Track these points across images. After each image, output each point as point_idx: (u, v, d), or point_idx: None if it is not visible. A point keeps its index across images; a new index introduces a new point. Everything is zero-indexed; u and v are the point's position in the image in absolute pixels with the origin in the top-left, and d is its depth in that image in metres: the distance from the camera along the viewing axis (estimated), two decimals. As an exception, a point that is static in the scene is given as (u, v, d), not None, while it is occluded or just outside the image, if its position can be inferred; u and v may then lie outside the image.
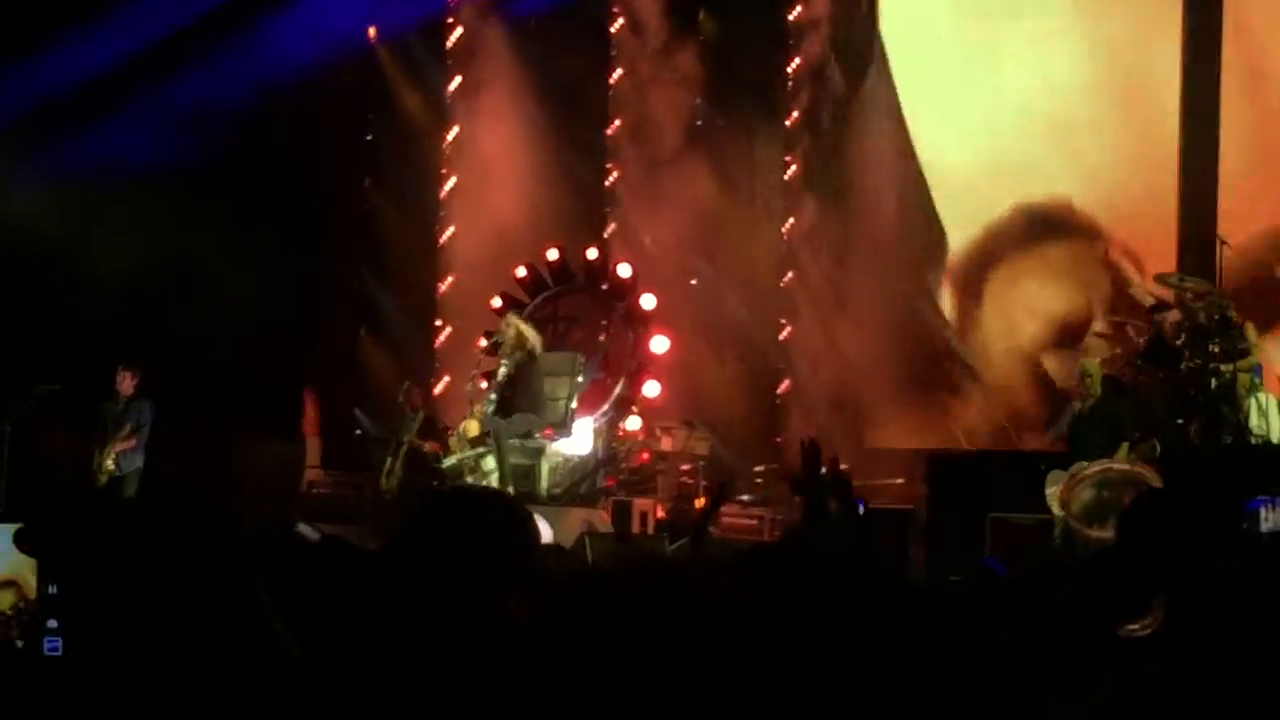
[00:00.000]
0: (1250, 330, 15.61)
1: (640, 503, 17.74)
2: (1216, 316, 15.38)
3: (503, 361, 18.06)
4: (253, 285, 21.29)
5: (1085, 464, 14.18)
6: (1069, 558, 11.52)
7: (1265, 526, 11.84)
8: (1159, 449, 14.57)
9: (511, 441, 17.66)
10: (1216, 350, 15.16)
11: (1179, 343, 15.37)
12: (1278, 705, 3.82)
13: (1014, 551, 14.06)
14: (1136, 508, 4.27)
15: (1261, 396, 15.39)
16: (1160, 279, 16.38)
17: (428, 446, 18.56)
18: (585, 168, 23.38)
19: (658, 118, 22.58)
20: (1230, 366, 15.19)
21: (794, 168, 22.37)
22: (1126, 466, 13.93)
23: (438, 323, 23.67)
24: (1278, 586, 4.25)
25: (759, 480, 20.89)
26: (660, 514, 18.02)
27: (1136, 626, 4.29)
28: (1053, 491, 14.67)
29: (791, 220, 22.35)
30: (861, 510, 14.71)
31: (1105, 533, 12.82)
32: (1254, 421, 15.18)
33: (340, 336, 23.39)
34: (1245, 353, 15.40)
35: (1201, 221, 18.71)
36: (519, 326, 18.26)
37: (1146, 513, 4.25)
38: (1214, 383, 15.16)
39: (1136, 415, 15.11)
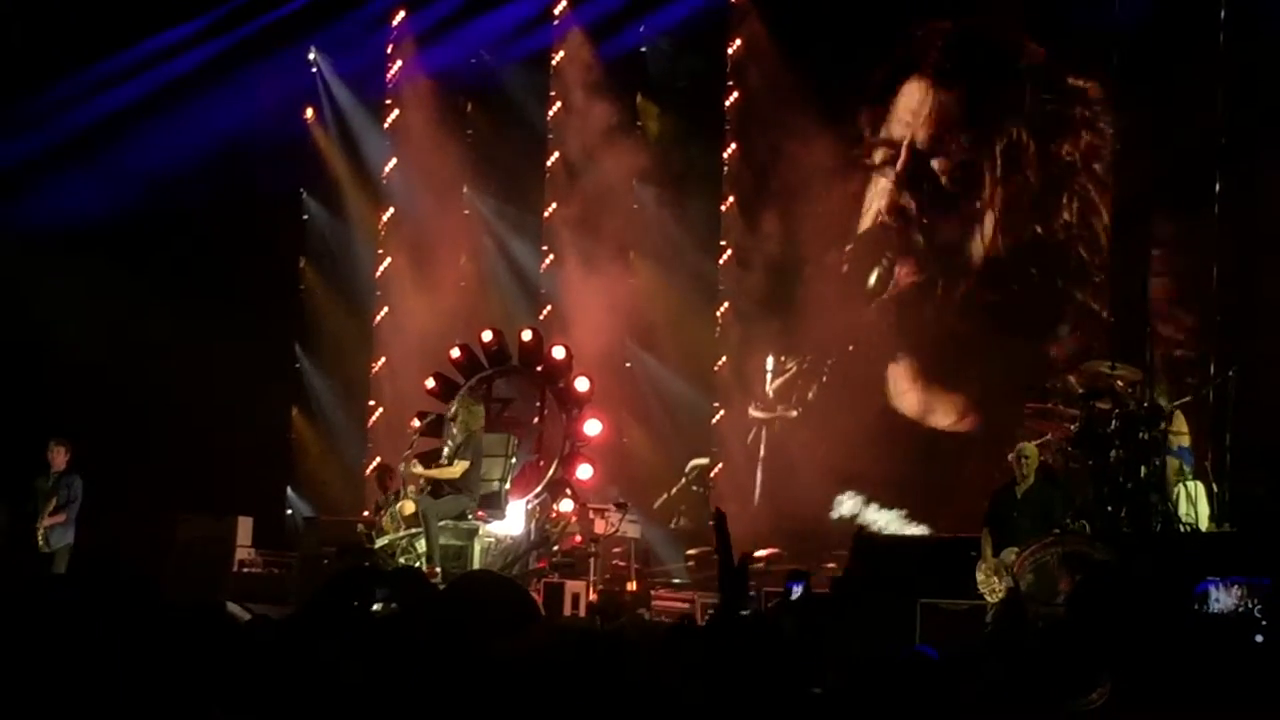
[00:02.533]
0: (1180, 418, 15.75)
1: (572, 585, 17.68)
2: (1146, 405, 15.49)
3: (448, 440, 18.02)
4: (185, 362, 21.25)
5: (1036, 541, 14.21)
6: (1004, 641, 11.55)
7: (1215, 607, 11.87)
8: (1088, 528, 14.63)
9: (444, 522, 17.59)
10: (1146, 438, 15.24)
11: (1109, 430, 15.44)
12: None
13: (945, 637, 14.05)
14: (1087, 585, 4.32)
15: (1190, 485, 15.47)
16: (1091, 367, 16.48)
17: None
18: (521, 250, 23.49)
19: (594, 202, 22.70)
20: (1160, 455, 15.28)
21: (728, 253, 22.49)
22: (1081, 543, 13.97)
23: (370, 403, 23.63)
24: (1224, 664, 4.31)
25: (690, 564, 20.89)
26: (592, 596, 17.97)
27: (1085, 701, 4.33)
28: (983, 578, 14.71)
29: (725, 305, 22.46)
30: (800, 591, 14.77)
31: (1055, 608, 12.81)
32: (1183, 509, 15.24)
33: (272, 415, 23.31)
34: (1175, 440, 15.51)
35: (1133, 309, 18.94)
36: (465, 407, 18.22)
37: (1097, 590, 4.30)
38: (1144, 471, 15.22)
39: (1067, 502, 15.18)
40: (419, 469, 17.83)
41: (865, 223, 21.71)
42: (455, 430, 17.93)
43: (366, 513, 19.29)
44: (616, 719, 3.24)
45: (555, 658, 3.57)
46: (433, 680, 4.10)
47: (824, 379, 21.88)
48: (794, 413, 22.05)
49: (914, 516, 20.53)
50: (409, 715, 3.98)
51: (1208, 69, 18.58)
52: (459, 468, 17.70)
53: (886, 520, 20.83)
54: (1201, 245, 18.65)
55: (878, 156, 21.65)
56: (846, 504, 21.22)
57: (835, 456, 20.88)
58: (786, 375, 22.18)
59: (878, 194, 21.57)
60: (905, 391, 21.33)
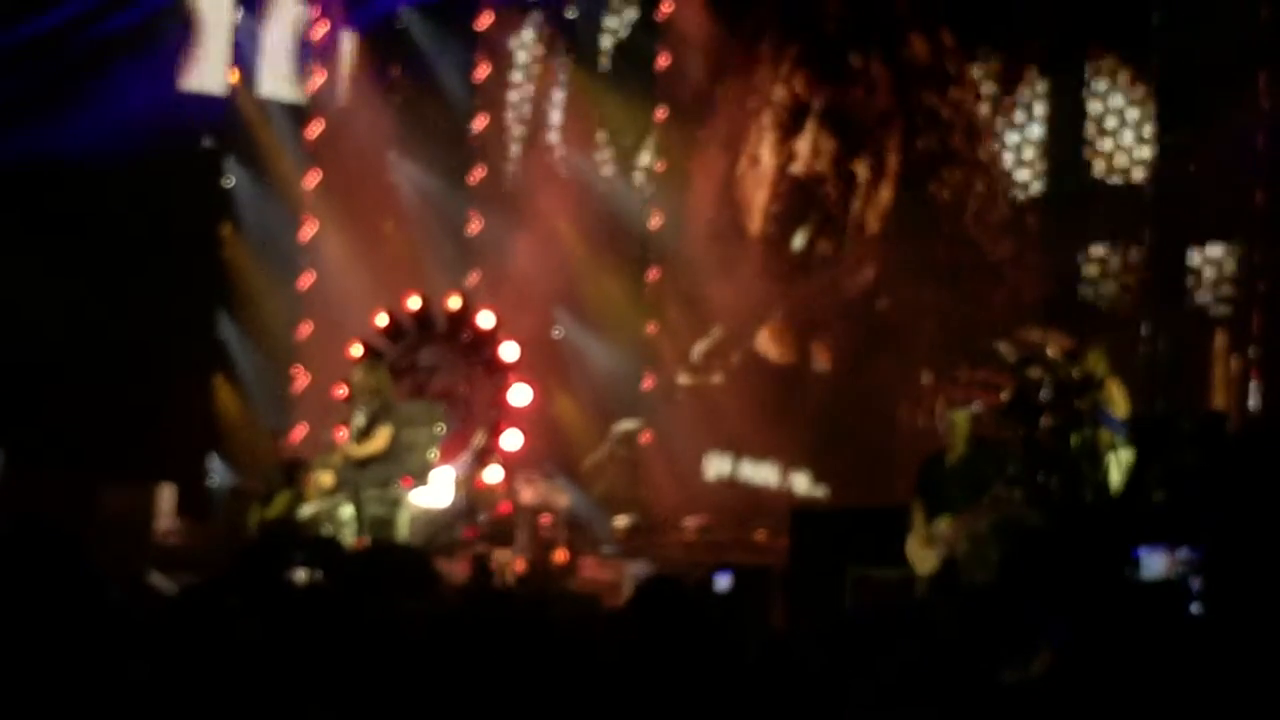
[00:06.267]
0: (1114, 387, 15.71)
1: (499, 554, 17.57)
2: (1078, 374, 15.44)
3: (357, 411, 17.74)
4: (107, 329, 21.03)
5: (968, 510, 14.19)
6: (933, 609, 11.46)
7: (1146, 574, 11.85)
8: (1014, 493, 14.60)
9: (369, 491, 17.40)
10: (1079, 407, 15.20)
11: (1041, 399, 15.39)
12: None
13: (875, 607, 13.97)
14: (1019, 551, 4.23)
15: (1122, 454, 15.43)
16: (1022, 335, 16.47)
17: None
18: (449, 216, 23.29)
19: (522, 166, 22.55)
20: (1092, 423, 15.23)
21: (657, 218, 22.35)
22: (1014, 510, 13.97)
23: (295, 370, 23.40)
24: (1162, 631, 4.19)
25: (619, 534, 20.83)
26: (519, 566, 17.87)
27: (1024, 671, 4.18)
28: (914, 549, 14.65)
29: (654, 270, 22.33)
30: (729, 580, 14.61)
31: (988, 575, 12.76)
32: (1114, 479, 15.22)
33: (195, 382, 23.07)
34: (1108, 410, 15.46)
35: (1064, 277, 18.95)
36: (375, 375, 17.99)
37: (1029, 557, 4.21)
38: (1075, 439, 15.19)
39: (998, 471, 15.12)
40: (354, 450, 17.48)
41: (775, 186, 21.65)
42: (368, 398, 17.58)
43: None
44: (527, 682, 3.11)
45: (464, 617, 3.45)
46: (342, 639, 4.01)
47: (747, 344, 21.81)
48: (717, 378, 21.96)
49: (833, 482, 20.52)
50: (322, 676, 3.86)
51: (1144, 35, 18.59)
52: (384, 437, 17.46)
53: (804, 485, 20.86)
54: (1135, 211, 18.67)
55: (780, 116, 21.58)
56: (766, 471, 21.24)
57: (756, 422, 20.82)
58: (712, 339, 22.08)
59: (786, 154, 21.50)
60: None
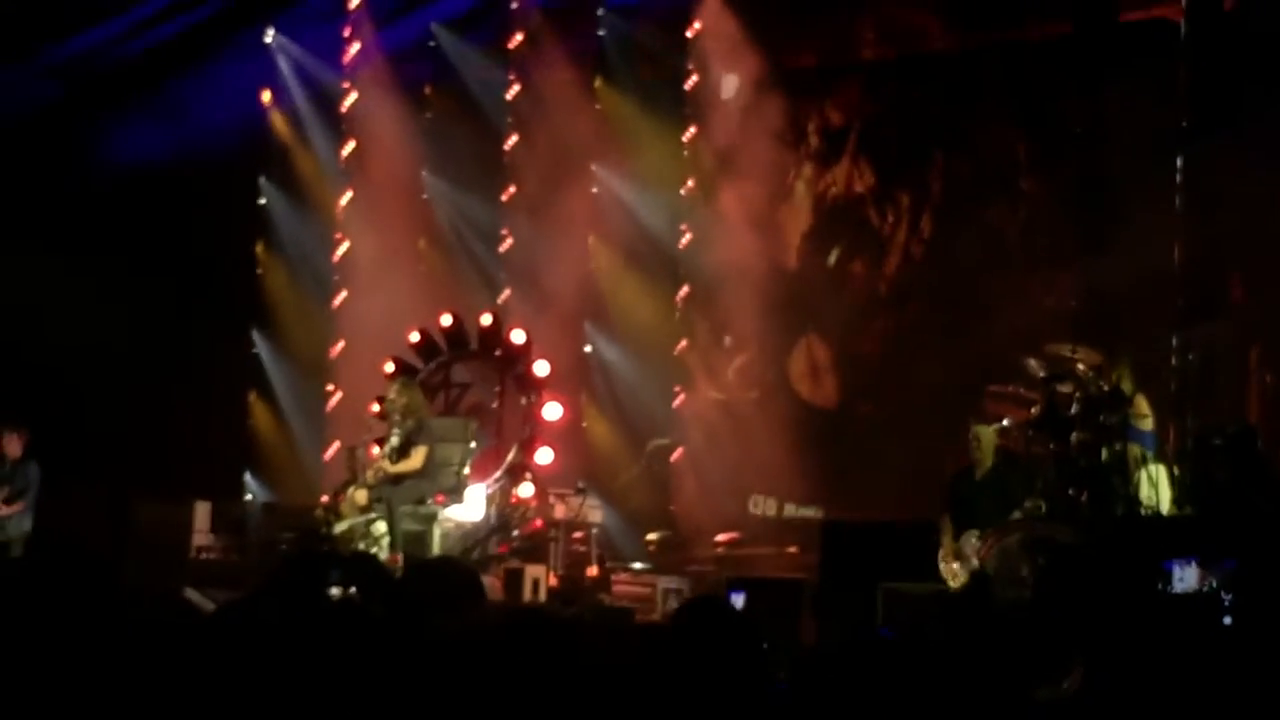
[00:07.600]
0: (1142, 401, 15.73)
1: (532, 570, 17.61)
2: (1107, 388, 15.45)
3: (394, 430, 17.90)
4: (142, 347, 21.13)
5: (998, 525, 14.24)
6: (965, 625, 11.49)
7: (1178, 587, 11.88)
8: (1044, 507, 14.63)
9: (403, 507, 17.52)
10: (1108, 422, 15.21)
11: (1071, 414, 15.40)
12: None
13: (907, 621, 14.00)
14: (1053, 567, 4.27)
15: (1152, 468, 15.43)
16: (1052, 350, 16.43)
17: None
18: (481, 234, 23.36)
19: (554, 185, 22.56)
20: (1122, 438, 15.24)
21: (688, 235, 22.38)
22: (1045, 528, 14.00)
23: (329, 387, 23.47)
24: (1193, 646, 4.24)
25: (651, 549, 20.84)
26: (552, 581, 17.91)
27: (1057, 688, 4.23)
28: (944, 564, 14.71)
29: (686, 287, 22.36)
30: (742, 600, 14.62)
31: (1020, 593, 12.79)
32: (1144, 493, 15.20)
33: (230, 399, 23.17)
34: (1137, 424, 15.47)
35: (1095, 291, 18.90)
36: (410, 393, 18.14)
37: (1063, 573, 4.26)
38: (1105, 454, 15.19)
39: (1026, 485, 15.15)
40: (389, 467, 17.63)
41: (812, 206, 21.72)
42: (400, 418, 17.78)
43: (325, 498, 19.17)
44: (563, 699, 3.17)
45: (502, 637, 3.51)
46: (382, 658, 4.07)
47: (781, 362, 21.82)
48: (754, 393, 21.99)
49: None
50: (358, 693, 3.92)
51: (1169, 50, 18.55)
52: (419, 456, 17.62)
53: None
54: (1163, 226, 18.60)
55: (815, 141, 21.64)
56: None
57: (787, 445, 20.79)
58: (745, 356, 22.10)
59: (823, 179, 21.55)
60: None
